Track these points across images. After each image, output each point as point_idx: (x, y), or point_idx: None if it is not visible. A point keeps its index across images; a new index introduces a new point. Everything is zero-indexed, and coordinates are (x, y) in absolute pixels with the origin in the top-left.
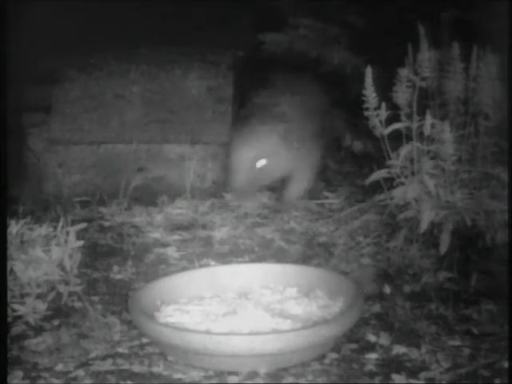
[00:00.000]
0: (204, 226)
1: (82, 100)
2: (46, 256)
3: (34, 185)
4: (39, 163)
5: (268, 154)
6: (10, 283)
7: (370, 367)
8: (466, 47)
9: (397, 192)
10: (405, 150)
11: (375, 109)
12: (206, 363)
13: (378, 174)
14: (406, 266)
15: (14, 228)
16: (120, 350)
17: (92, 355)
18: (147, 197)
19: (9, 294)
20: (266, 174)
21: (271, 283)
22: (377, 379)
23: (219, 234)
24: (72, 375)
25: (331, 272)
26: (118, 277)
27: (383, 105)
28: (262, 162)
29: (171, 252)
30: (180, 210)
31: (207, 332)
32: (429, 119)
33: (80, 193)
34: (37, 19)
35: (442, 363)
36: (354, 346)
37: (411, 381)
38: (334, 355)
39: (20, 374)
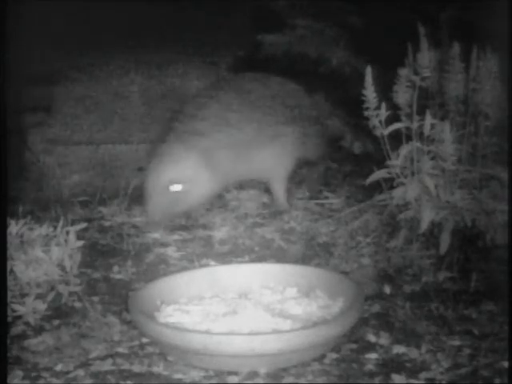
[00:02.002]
0: (204, 226)
1: (82, 100)
2: (46, 256)
3: (34, 185)
4: (39, 163)
5: (186, 176)
6: (10, 283)
7: (369, 367)
8: (466, 47)
9: (397, 192)
10: (405, 150)
11: (375, 109)
12: (206, 363)
13: (378, 174)
14: (406, 266)
15: (13, 228)
16: (120, 349)
17: (92, 355)
18: None
19: (9, 294)
20: (183, 200)
21: (271, 283)
22: (377, 379)
23: (219, 233)
24: (72, 375)
25: (331, 272)
26: (118, 277)
27: (383, 105)
28: (176, 187)
29: (171, 252)
30: None
31: (207, 332)
32: (429, 119)
33: (80, 193)
34: (37, 19)
35: (442, 363)
36: (353, 346)
37: (411, 381)
38: (334, 355)
39: (20, 373)
